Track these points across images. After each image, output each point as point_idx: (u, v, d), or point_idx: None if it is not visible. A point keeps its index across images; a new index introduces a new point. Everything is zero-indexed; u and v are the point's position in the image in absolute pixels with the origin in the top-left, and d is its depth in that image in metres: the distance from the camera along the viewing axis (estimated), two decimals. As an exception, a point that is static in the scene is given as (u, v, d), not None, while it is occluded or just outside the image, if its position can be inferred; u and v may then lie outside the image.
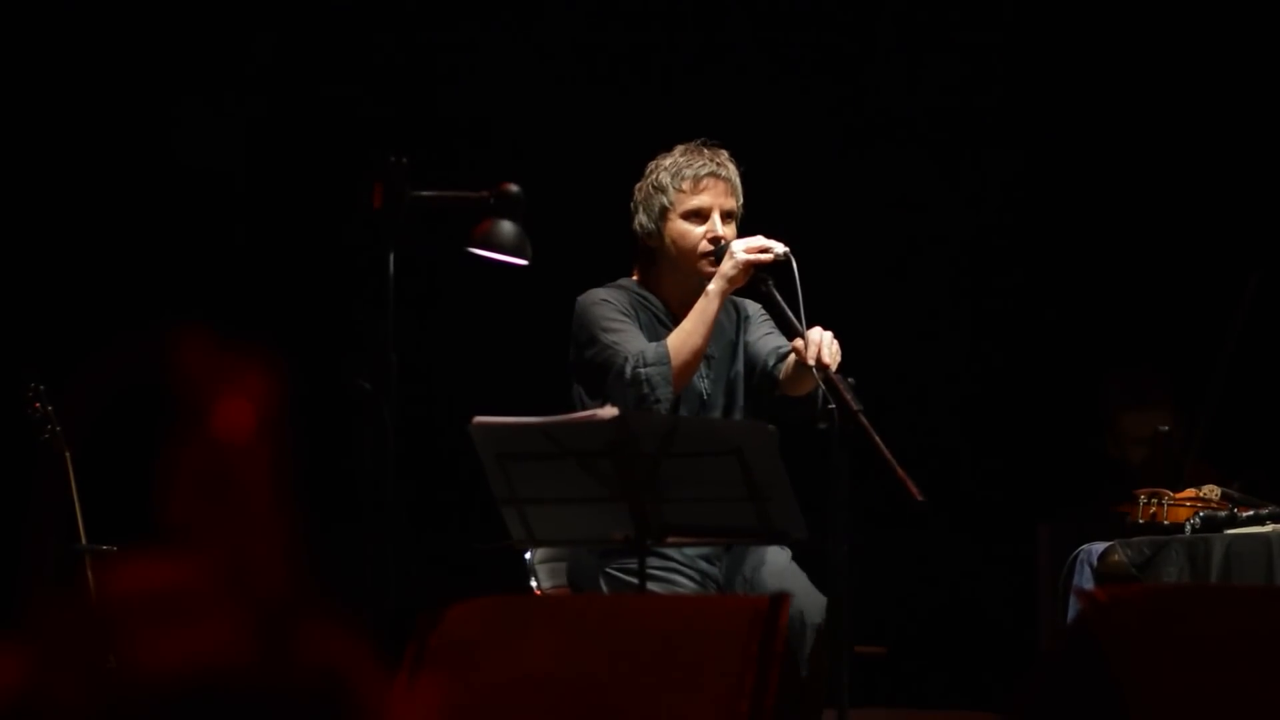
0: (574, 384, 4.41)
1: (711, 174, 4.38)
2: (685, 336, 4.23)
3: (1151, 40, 6.32)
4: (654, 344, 4.25)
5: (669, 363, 4.20)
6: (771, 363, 4.41)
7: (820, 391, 4.10)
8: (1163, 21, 6.31)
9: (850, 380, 3.93)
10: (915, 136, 6.42)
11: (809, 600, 4.20)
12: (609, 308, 4.36)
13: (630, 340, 4.27)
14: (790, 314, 4.15)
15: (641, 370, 4.19)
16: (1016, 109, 6.39)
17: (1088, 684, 1.84)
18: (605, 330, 4.31)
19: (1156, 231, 6.35)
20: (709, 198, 4.38)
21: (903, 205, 6.43)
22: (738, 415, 4.43)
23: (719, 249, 4.31)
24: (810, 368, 4.02)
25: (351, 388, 3.64)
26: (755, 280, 4.25)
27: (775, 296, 4.21)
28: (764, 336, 4.48)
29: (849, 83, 6.41)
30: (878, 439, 3.82)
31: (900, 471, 3.78)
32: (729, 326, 4.49)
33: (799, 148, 6.19)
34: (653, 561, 4.21)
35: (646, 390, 4.19)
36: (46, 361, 5.53)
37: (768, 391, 4.42)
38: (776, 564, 4.32)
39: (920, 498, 3.76)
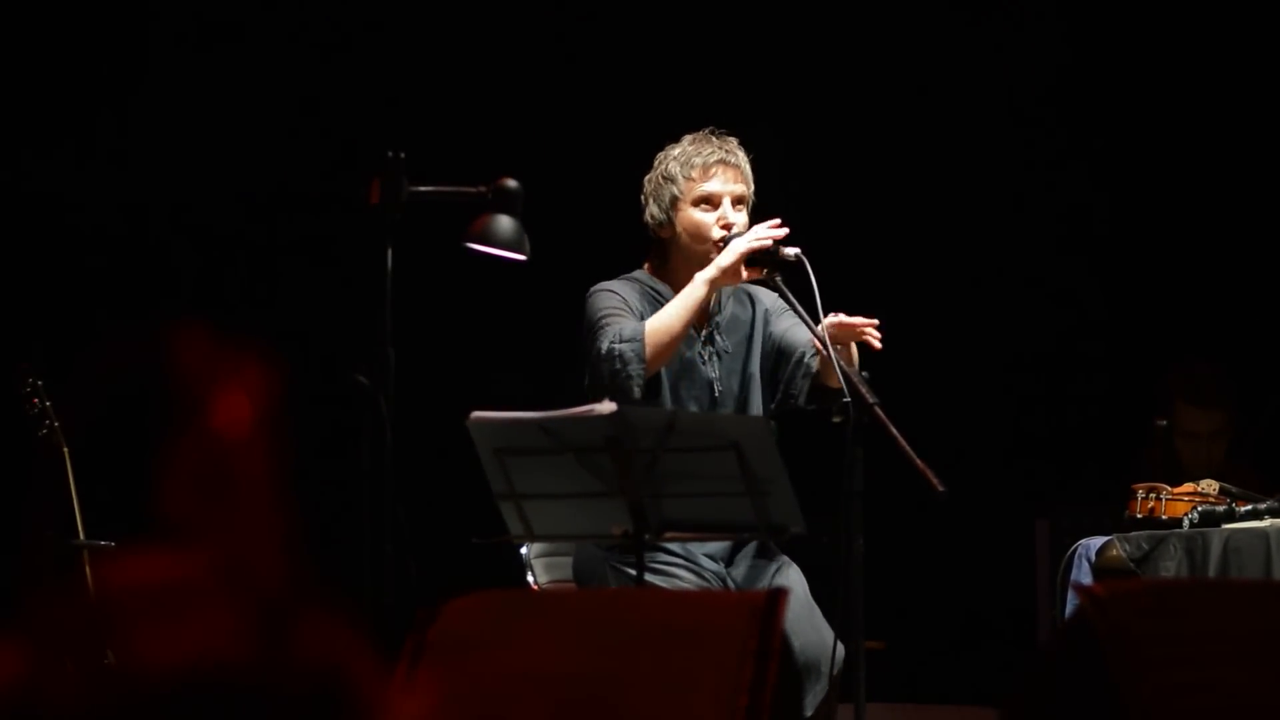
0: (585, 375, 4.41)
1: (720, 160, 4.37)
2: (665, 319, 4.22)
3: (1217, 30, 6.29)
4: (635, 322, 4.25)
5: (643, 340, 4.19)
6: (810, 354, 4.40)
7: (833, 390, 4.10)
8: (1233, 14, 6.29)
9: (864, 374, 3.93)
10: (926, 123, 6.41)
11: (825, 646, 4.14)
12: (613, 297, 4.36)
13: (622, 323, 4.27)
14: (799, 309, 4.15)
15: (616, 346, 4.19)
16: (1056, 91, 6.36)
17: (1086, 678, 1.84)
18: (603, 316, 4.32)
19: (1160, 227, 6.34)
20: (719, 184, 4.36)
21: (904, 201, 6.43)
22: (754, 409, 4.40)
23: (729, 237, 4.31)
24: (830, 360, 3.98)
25: (349, 383, 3.63)
26: (764, 275, 4.24)
27: (783, 291, 4.20)
28: (792, 328, 4.43)
29: (864, 72, 6.40)
30: (895, 431, 3.82)
31: (919, 463, 3.78)
32: (745, 320, 4.48)
33: (803, 141, 6.18)
34: (655, 555, 4.20)
35: (619, 366, 4.18)
36: (45, 356, 5.53)
37: (807, 381, 4.39)
38: (796, 599, 4.21)
39: (941, 489, 3.76)
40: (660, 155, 4.44)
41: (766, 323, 4.49)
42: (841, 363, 3.94)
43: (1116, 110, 6.37)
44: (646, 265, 4.50)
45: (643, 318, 4.35)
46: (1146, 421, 5.77)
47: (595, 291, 4.39)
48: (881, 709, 5.62)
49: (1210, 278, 6.27)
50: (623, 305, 4.34)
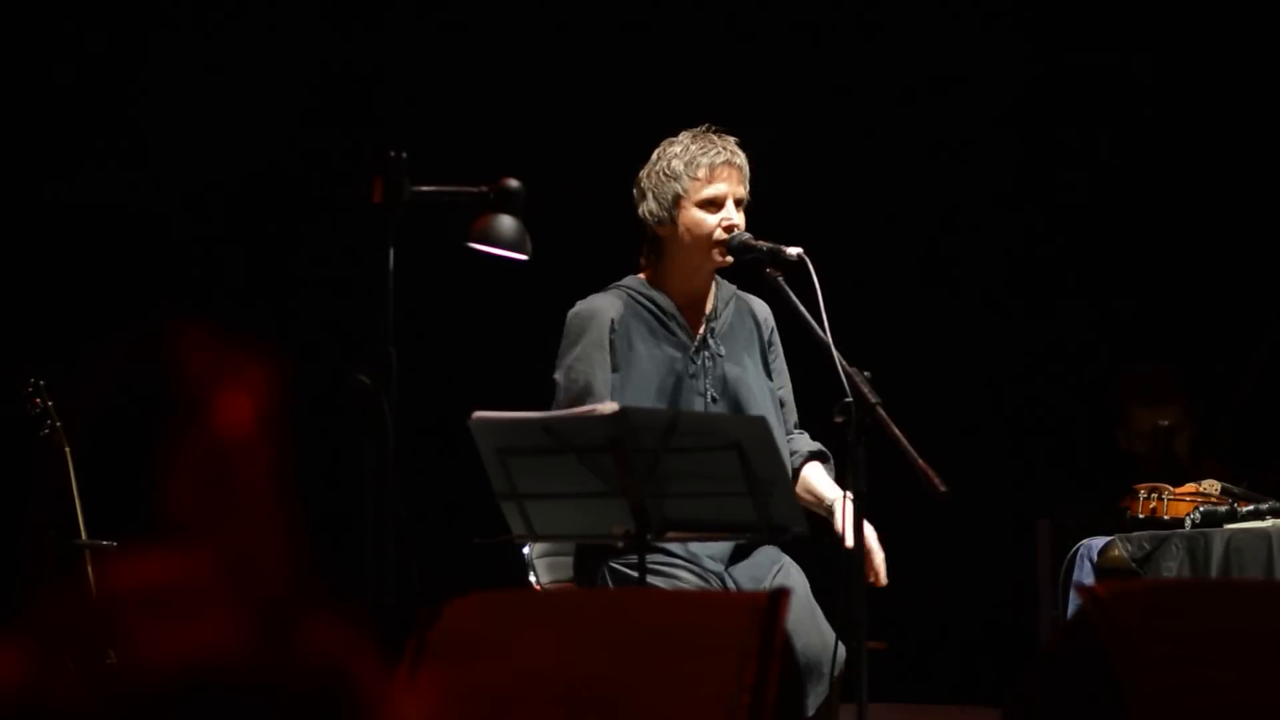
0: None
1: (726, 162, 4.35)
2: None
3: (1176, 44, 6.31)
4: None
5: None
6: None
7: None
8: (1191, 27, 6.31)
9: (866, 374, 3.93)
10: (926, 134, 6.42)
11: (827, 647, 4.11)
12: (586, 337, 4.35)
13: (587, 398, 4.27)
14: (803, 311, 4.14)
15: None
16: (1034, 108, 6.38)
17: (1087, 678, 1.84)
18: (562, 357, 4.35)
19: (1165, 230, 6.35)
20: (724, 186, 4.35)
21: (907, 203, 6.43)
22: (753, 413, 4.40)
23: (733, 238, 4.30)
24: (838, 366, 3.95)
25: (351, 382, 3.63)
26: (766, 276, 4.24)
27: (787, 292, 4.19)
28: (778, 375, 4.47)
29: (861, 79, 6.41)
30: (897, 431, 3.82)
31: (921, 463, 3.78)
32: (743, 330, 4.47)
33: (805, 141, 6.18)
34: (655, 556, 4.20)
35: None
36: (46, 356, 5.53)
37: None
38: (796, 596, 4.21)
39: (943, 489, 3.76)
40: (659, 150, 4.42)
41: (771, 339, 4.49)
42: (843, 362, 3.94)
43: (1131, 111, 6.38)
44: (643, 268, 4.48)
45: (625, 343, 4.33)
46: (1108, 431, 5.83)
47: (572, 317, 4.39)
48: (883, 709, 5.62)
49: (1195, 278, 6.27)
50: (589, 349, 4.33)
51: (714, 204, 4.34)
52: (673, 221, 4.36)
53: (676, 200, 4.35)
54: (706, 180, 4.34)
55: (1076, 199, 6.40)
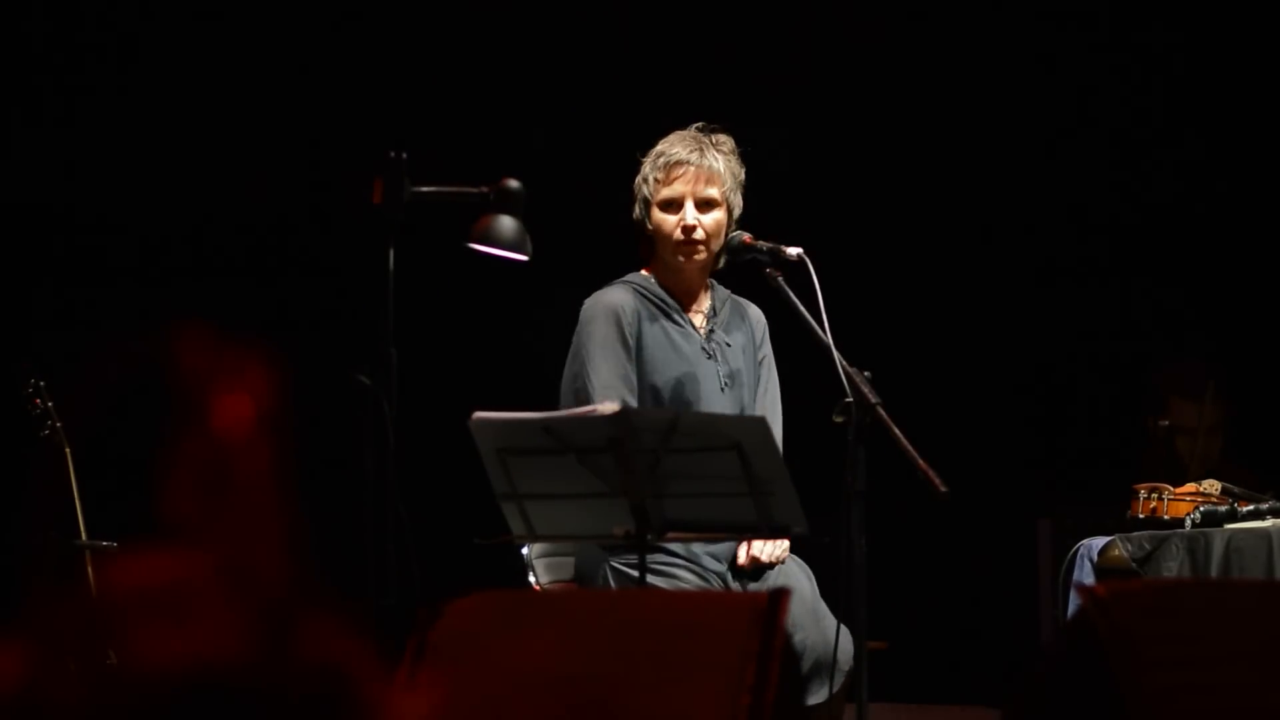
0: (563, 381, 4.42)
1: (681, 161, 4.35)
2: None
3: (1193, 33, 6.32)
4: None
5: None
6: None
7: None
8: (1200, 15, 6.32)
9: (866, 374, 3.93)
10: (926, 123, 6.42)
11: (829, 643, 4.11)
12: (600, 331, 4.34)
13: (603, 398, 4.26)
14: (803, 311, 4.14)
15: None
16: (1033, 108, 6.39)
17: (1088, 678, 1.84)
18: (590, 355, 4.34)
19: (1163, 230, 6.35)
20: (680, 186, 4.35)
21: (909, 198, 6.43)
22: (772, 394, 4.44)
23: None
24: (837, 366, 3.96)
25: (351, 383, 3.63)
26: (766, 276, 4.24)
27: (787, 292, 4.19)
28: (768, 391, 4.49)
29: (865, 72, 6.41)
30: (898, 432, 3.82)
31: (922, 464, 3.79)
32: (738, 328, 4.48)
33: (811, 140, 6.18)
34: (657, 556, 4.20)
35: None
36: (47, 357, 5.53)
37: None
38: (801, 595, 4.22)
39: (943, 489, 3.76)
40: (647, 154, 4.45)
41: (759, 348, 4.51)
42: (844, 362, 3.94)
43: (1151, 94, 6.38)
44: (645, 264, 4.50)
45: (638, 330, 4.34)
46: (1139, 421, 5.81)
47: (591, 316, 4.38)
48: (884, 709, 5.62)
49: (1209, 277, 6.27)
50: (613, 344, 4.31)
51: (673, 204, 4.36)
52: (645, 223, 4.41)
53: (646, 203, 4.39)
54: (664, 182, 4.36)
55: (1076, 200, 6.40)
